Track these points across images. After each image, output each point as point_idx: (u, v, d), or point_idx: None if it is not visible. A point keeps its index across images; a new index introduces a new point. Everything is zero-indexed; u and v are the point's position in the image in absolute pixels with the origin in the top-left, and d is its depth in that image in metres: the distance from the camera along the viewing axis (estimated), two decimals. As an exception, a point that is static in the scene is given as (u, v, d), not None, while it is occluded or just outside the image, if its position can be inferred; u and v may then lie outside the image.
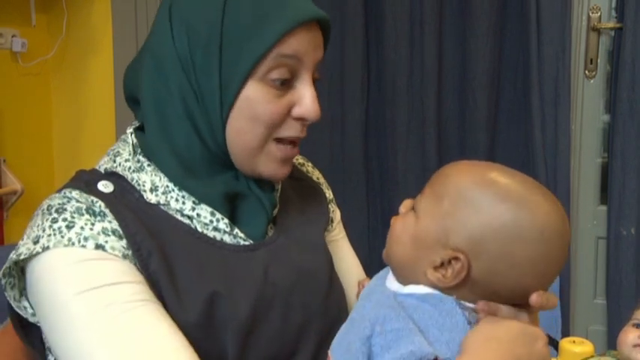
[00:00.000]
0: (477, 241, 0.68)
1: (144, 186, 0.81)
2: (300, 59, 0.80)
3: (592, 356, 1.27)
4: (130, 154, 0.83)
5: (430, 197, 0.73)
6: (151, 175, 0.82)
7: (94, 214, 0.76)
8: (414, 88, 2.05)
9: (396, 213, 0.78)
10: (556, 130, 1.96)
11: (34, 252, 0.74)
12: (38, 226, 0.76)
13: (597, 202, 2.08)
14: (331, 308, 0.87)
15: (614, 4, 1.99)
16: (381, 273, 0.80)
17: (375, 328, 0.68)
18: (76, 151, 2.22)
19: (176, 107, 0.80)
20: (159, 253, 0.76)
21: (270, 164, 0.83)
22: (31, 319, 0.80)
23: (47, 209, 0.77)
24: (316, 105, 0.82)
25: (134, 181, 0.82)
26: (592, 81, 2.03)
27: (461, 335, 0.67)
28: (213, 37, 0.78)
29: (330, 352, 0.75)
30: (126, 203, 0.79)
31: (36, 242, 0.75)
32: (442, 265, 0.70)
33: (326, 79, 2.02)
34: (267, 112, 0.79)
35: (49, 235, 0.74)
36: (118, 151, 0.85)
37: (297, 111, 0.81)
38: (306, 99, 0.81)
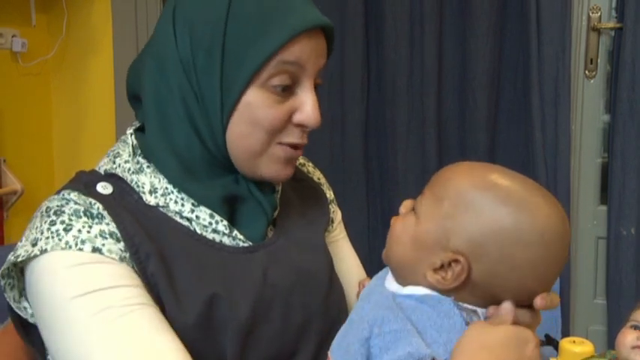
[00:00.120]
0: (478, 243, 0.68)
1: (143, 188, 0.81)
2: (302, 66, 0.79)
3: (592, 356, 1.27)
4: (129, 156, 0.83)
5: (430, 199, 0.73)
6: (151, 176, 0.82)
7: (91, 216, 0.76)
8: (414, 88, 2.05)
9: (396, 213, 0.78)
10: (556, 130, 1.96)
11: (32, 254, 0.74)
12: (37, 228, 0.76)
13: (597, 202, 2.08)
14: (331, 309, 0.87)
15: (614, 4, 1.99)
16: (381, 273, 0.80)
17: (373, 330, 0.68)
18: (76, 151, 2.22)
19: (177, 108, 0.80)
20: (157, 256, 0.76)
21: (272, 166, 0.83)
22: (31, 320, 0.80)
23: (46, 211, 0.77)
24: (317, 112, 0.81)
25: (133, 182, 0.82)
26: (592, 81, 2.03)
27: (459, 336, 0.67)
28: (215, 40, 0.77)
29: (329, 353, 0.75)
30: (125, 205, 0.79)
31: (34, 245, 0.75)
32: (442, 267, 0.70)
33: (326, 79, 2.01)
34: (268, 117, 0.79)
35: (47, 238, 0.74)
36: (118, 152, 0.85)
37: (297, 117, 0.81)
38: (306, 106, 0.81)
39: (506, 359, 0.66)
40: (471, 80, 2.01)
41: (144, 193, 0.81)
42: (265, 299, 0.81)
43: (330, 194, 1.03)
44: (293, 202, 0.93)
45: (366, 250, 2.03)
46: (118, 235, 0.76)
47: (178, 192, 0.82)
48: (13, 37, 2.02)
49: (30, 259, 0.75)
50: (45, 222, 0.76)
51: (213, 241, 0.82)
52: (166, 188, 0.82)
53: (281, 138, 0.82)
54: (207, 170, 0.82)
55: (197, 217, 0.81)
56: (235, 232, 0.83)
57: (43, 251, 0.74)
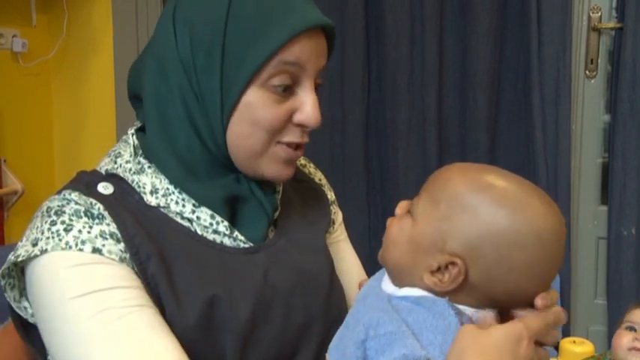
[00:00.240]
0: (474, 246, 0.68)
1: (144, 188, 0.81)
2: (302, 66, 0.79)
3: (592, 356, 1.27)
4: (130, 156, 0.83)
5: (427, 200, 0.73)
6: (152, 177, 0.82)
7: (92, 216, 0.76)
8: (415, 86, 2.05)
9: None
10: (557, 130, 1.96)
11: (32, 254, 0.74)
12: (37, 228, 0.76)
13: (598, 203, 2.08)
14: (332, 310, 0.87)
15: (614, 4, 1.99)
16: (377, 274, 0.79)
17: (368, 332, 0.68)
18: (76, 151, 2.22)
19: (177, 108, 0.80)
20: (158, 256, 0.76)
21: (273, 165, 0.83)
22: (31, 320, 0.80)
23: (46, 211, 0.78)
24: (317, 112, 0.81)
25: (134, 183, 0.82)
26: (592, 81, 2.03)
27: (454, 337, 0.67)
28: (215, 40, 0.77)
29: (327, 355, 0.75)
30: (125, 205, 0.79)
31: (34, 245, 0.75)
32: (439, 269, 0.69)
33: (326, 79, 2.01)
34: (268, 117, 0.79)
35: (48, 238, 0.74)
36: (119, 152, 0.85)
37: (297, 117, 0.81)
38: (307, 106, 0.81)
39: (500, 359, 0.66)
40: (472, 79, 2.01)
41: (145, 193, 0.81)
42: (266, 300, 0.81)
43: (331, 195, 1.03)
44: (294, 203, 0.93)
45: (367, 250, 2.03)
46: (119, 235, 0.76)
47: (179, 192, 0.81)
48: (13, 37, 2.02)
49: (30, 259, 0.75)
50: (45, 222, 0.76)
51: (213, 242, 0.82)
52: (167, 189, 0.81)
53: (281, 137, 0.82)
54: (208, 170, 0.82)
55: (198, 217, 0.81)
56: (236, 233, 0.83)
57: (44, 251, 0.74)
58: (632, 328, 1.23)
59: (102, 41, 2.19)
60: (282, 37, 0.77)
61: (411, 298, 0.70)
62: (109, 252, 0.75)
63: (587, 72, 2.02)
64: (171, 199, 0.81)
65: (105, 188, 0.80)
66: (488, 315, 0.71)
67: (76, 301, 0.71)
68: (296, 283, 0.84)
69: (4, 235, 2.02)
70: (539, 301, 0.69)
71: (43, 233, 0.75)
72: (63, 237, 0.74)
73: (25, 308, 0.79)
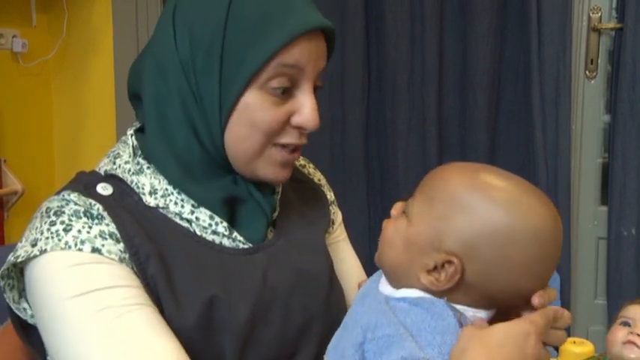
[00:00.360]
0: (471, 244, 0.68)
1: (143, 189, 0.81)
2: (301, 69, 0.79)
3: (592, 357, 1.27)
4: (129, 156, 0.83)
5: (422, 200, 0.72)
6: (151, 177, 0.82)
7: (91, 217, 0.76)
8: (415, 86, 2.05)
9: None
10: (557, 131, 1.96)
11: (32, 255, 0.74)
12: (37, 228, 0.76)
13: (598, 203, 2.08)
14: (332, 310, 0.87)
15: (614, 5, 1.99)
16: (375, 276, 0.79)
17: (366, 335, 0.68)
18: (76, 151, 2.22)
19: (176, 109, 0.80)
20: (157, 257, 0.76)
21: (269, 168, 0.83)
22: (31, 321, 0.80)
23: (46, 212, 0.78)
24: (315, 114, 0.81)
25: (133, 183, 0.82)
26: (592, 81, 2.03)
27: (453, 337, 0.66)
28: (215, 42, 0.77)
29: (325, 357, 0.75)
30: (124, 206, 0.79)
31: (34, 245, 0.75)
32: (435, 268, 0.69)
33: (326, 80, 2.02)
34: (266, 119, 0.79)
35: (47, 238, 0.74)
36: (118, 153, 0.85)
37: (296, 120, 0.81)
38: (305, 108, 0.81)
39: (506, 356, 0.66)
40: (472, 79, 2.01)
41: (144, 194, 0.81)
42: (265, 301, 0.81)
43: (330, 195, 1.03)
44: (293, 204, 0.93)
45: (367, 250, 2.01)
46: (118, 235, 0.76)
47: (178, 193, 0.81)
48: (13, 37, 2.02)
49: (30, 259, 0.75)
50: (45, 222, 0.76)
51: (212, 242, 0.82)
52: (166, 189, 0.81)
53: (279, 139, 0.81)
54: (206, 172, 0.82)
55: (197, 218, 0.81)
56: (235, 234, 0.83)
57: (43, 251, 0.74)
58: (626, 324, 1.23)
59: (102, 41, 2.19)
60: (282, 39, 0.76)
61: (408, 299, 0.70)
62: (109, 252, 0.75)
63: (587, 72, 2.02)
64: (170, 200, 0.81)
65: (104, 189, 0.80)
66: (488, 316, 0.71)
67: (75, 301, 0.71)
68: (295, 284, 0.84)
69: (4, 236, 2.02)
70: (536, 300, 0.69)
71: (42, 234, 0.75)
72: (62, 237, 0.74)
73: (25, 309, 0.79)
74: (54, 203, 0.78)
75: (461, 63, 2.04)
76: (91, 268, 0.73)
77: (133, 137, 0.85)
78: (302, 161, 1.04)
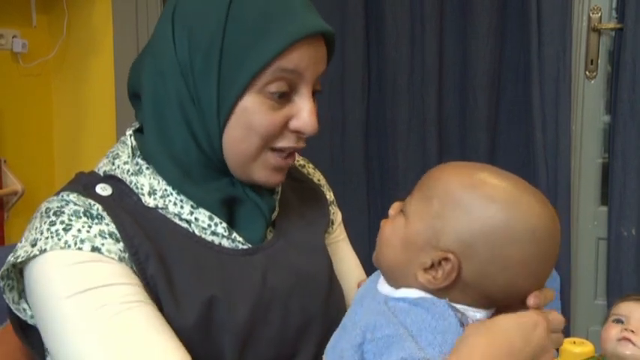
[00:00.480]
0: (468, 242, 0.68)
1: (142, 189, 0.81)
2: (300, 73, 0.79)
3: (592, 357, 1.27)
4: (128, 157, 0.83)
5: (420, 199, 0.73)
6: (150, 178, 0.82)
7: (91, 216, 0.76)
8: (415, 86, 2.05)
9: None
10: (557, 131, 1.96)
11: (32, 255, 0.74)
12: (36, 228, 0.76)
13: (598, 203, 2.08)
14: (331, 310, 0.87)
15: (614, 5, 1.99)
16: (374, 275, 0.79)
17: (366, 336, 0.68)
18: (76, 151, 2.22)
19: (174, 111, 0.80)
20: (156, 257, 0.76)
21: (263, 171, 0.83)
22: (30, 322, 0.80)
23: (45, 212, 0.78)
24: (314, 119, 0.81)
25: (132, 184, 0.82)
26: (592, 81, 2.03)
27: (454, 337, 0.67)
28: (214, 44, 0.77)
29: (324, 357, 0.75)
30: (124, 206, 0.79)
31: (34, 245, 0.75)
32: (432, 266, 0.69)
33: (326, 80, 2.02)
34: (264, 123, 0.79)
35: (47, 238, 0.74)
36: (117, 154, 0.85)
37: (294, 124, 0.81)
38: (303, 112, 0.80)
39: (512, 344, 0.65)
40: (472, 79, 2.01)
41: (143, 194, 0.81)
42: (264, 302, 0.81)
43: (330, 195, 1.03)
44: (292, 204, 0.93)
45: (367, 250, 2.01)
46: (118, 235, 0.76)
47: (177, 194, 0.81)
48: (13, 37, 2.02)
49: (29, 259, 0.75)
50: (44, 222, 0.76)
51: (212, 243, 0.82)
52: (165, 190, 0.81)
53: (276, 143, 0.81)
54: (204, 173, 0.82)
55: (196, 219, 0.81)
56: (234, 235, 0.83)
57: (43, 251, 0.74)
58: (619, 321, 1.23)
59: (102, 41, 2.19)
60: (281, 44, 0.76)
61: (408, 300, 0.70)
62: (108, 251, 0.75)
63: (587, 72, 2.02)
64: (170, 201, 0.81)
65: (103, 189, 0.80)
66: (487, 316, 0.71)
67: (74, 299, 0.71)
68: (294, 284, 0.84)
69: (4, 236, 2.02)
70: (531, 300, 0.69)
71: (42, 233, 0.75)
72: (62, 236, 0.74)
73: (24, 310, 0.79)
74: (53, 204, 0.78)
75: (461, 63, 2.04)
76: (91, 266, 0.73)
77: (132, 138, 0.85)
78: (301, 161, 1.04)
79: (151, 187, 0.81)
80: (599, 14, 1.99)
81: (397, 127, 2.06)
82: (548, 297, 0.71)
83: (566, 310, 2.01)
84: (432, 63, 2.02)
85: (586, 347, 1.28)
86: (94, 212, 0.77)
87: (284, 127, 0.81)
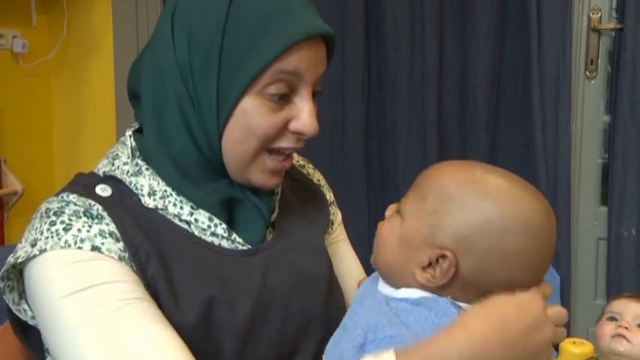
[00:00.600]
0: (464, 237, 0.69)
1: (142, 190, 0.81)
2: (300, 75, 0.79)
3: (592, 357, 1.27)
4: (128, 158, 0.83)
5: (414, 198, 0.73)
6: (149, 179, 0.82)
7: (91, 216, 0.76)
8: (415, 86, 2.05)
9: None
10: (557, 131, 1.96)
11: (32, 255, 0.74)
12: (36, 229, 0.76)
13: (598, 203, 2.08)
14: (331, 310, 0.87)
15: (614, 5, 1.99)
16: (374, 275, 0.80)
17: (367, 336, 0.68)
18: (76, 151, 2.22)
19: (173, 112, 0.80)
20: (157, 257, 0.76)
21: (260, 174, 0.83)
22: (31, 322, 0.80)
23: (45, 212, 0.78)
24: (314, 120, 0.81)
25: (132, 185, 0.82)
26: (592, 81, 2.03)
27: None
28: (213, 46, 0.77)
29: (324, 357, 0.75)
30: (124, 207, 0.79)
31: (33, 245, 0.75)
32: (430, 264, 0.70)
33: (326, 80, 2.01)
34: (263, 125, 0.79)
35: (47, 238, 0.74)
36: (117, 154, 0.84)
37: (293, 125, 0.81)
38: (303, 114, 0.80)
39: (504, 318, 0.64)
40: (472, 79, 2.01)
41: (142, 195, 0.81)
42: (264, 302, 0.81)
43: (330, 196, 1.03)
44: (292, 205, 0.93)
45: (367, 250, 2.00)
46: (118, 235, 0.76)
47: (177, 195, 0.81)
48: (13, 37, 2.02)
49: (29, 259, 0.75)
50: (45, 222, 0.76)
51: (212, 243, 0.82)
52: (165, 191, 0.81)
53: (276, 144, 0.81)
54: (203, 175, 0.82)
55: (196, 220, 0.81)
56: (234, 236, 0.83)
57: (43, 251, 0.74)
58: (612, 318, 1.23)
59: (102, 41, 2.19)
60: (281, 45, 0.76)
61: (410, 300, 0.70)
62: (108, 250, 0.75)
63: (587, 72, 2.02)
64: (169, 202, 0.81)
65: (103, 190, 0.80)
66: None
67: (73, 297, 0.71)
68: (295, 285, 0.84)
69: (4, 236, 2.02)
70: None
71: (42, 234, 0.75)
72: (62, 236, 0.74)
73: (25, 311, 0.79)
74: (53, 204, 0.78)
75: (461, 63, 2.04)
76: (90, 264, 0.73)
77: (132, 138, 0.85)
78: (301, 161, 1.04)
79: (151, 188, 0.81)
80: (599, 14, 1.99)
81: (397, 127, 2.06)
82: (546, 292, 0.71)
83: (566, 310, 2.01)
84: (432, 63, 2.02)
85: (586, 347, 1.28)
86: (94, 212, 0.77)
87: (284, 129, 0.81)
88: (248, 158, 0.81)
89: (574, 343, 1.28)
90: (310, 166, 1.05)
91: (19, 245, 0.77)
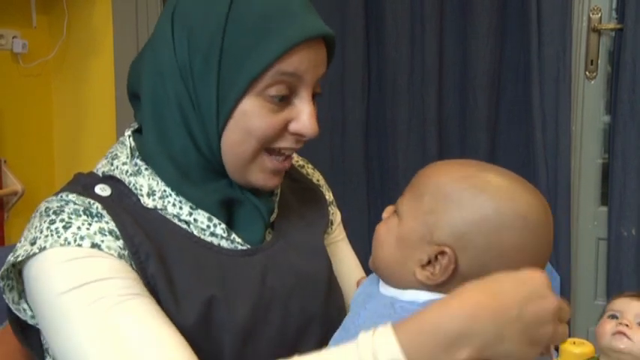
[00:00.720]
0: (462, 233, 0.69)
1: (141, 190, 0.81)
2: (300, 77, 0.78)
3: (592, 357, 1.27)
4: (127, 157, 0.83)
5: (411, 198, 0.73)
6: (149, 179, 0.82)
7: (91, 215, 0.76)
8: (415, 86, 2.05)
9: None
10: (557, 131, 1.96)
11: (31, 253, 0.74)
12: (35, 227, 0.76)
13: (598, 203, 2.08)
14: (330, 311, 0.87)
15: (614, 5, 1.99)
16: (373, 276, 0.80)
17: None
18: (76, 151, 2.22)
19: (173, 112, 0.80)
20: (157, 256, 0.76)
21: (259, 174, 0.83)
22: (30, 322, 0.80)
23: (45, 211, 0.78)
24: (314, 121, 0.81)
25: (131, 184, 0.82)
26: (592, 82, 2.03)
27: None
28: (213, 47, 0.77)
29: None
30: (123, 207, 0.79)
31: (33, 243, 0.75)
32: (429, 262, 0.70)
33: (326, 80, 2.00)
34: (262, 126, 0.79)
35: (46, 236, 0.74)
36: (116, 154, 0.85)
37: (293, 127, 0.81)
38: (303, 115, 0.80)
39: (500, 287, 0.62)
40: (472, 79, 2.01)
41: (142, 195, 0.81)
42: (264, 302, 0.81)
43: (329, 196, 1.03)
44: (292, 205, 0.93)
45: (367, 250, 1.99)
46: (118, 233, 0.76)
47: (176, 195, 0.81)
48: (13, 38, 2.02)
49: (29, 257, 0.75)
50: (44, 221, 0.76)
51: (211, 243, 0.82)
52: (164, 191, 0.81)
53: (275, 144, 0.81)
54: (203, 175, 0.82)
55: (195, 219, 0.81)
56: (233, 236, 0.83)
57: (42, 249, 0.74)
58: (614, 316, 1.23)
59: (102, 42, 2.19)
60: (281, 47, 0.76)
61: (417, 303, 0.70)
62: (108, 247, 0.75)
63: (587, 73, 2.02)
64: (169, 202, 0.81)
65: (102, 190, 0.80)
66: None
67: (71, 293, 0.71)
68: (294, 285, 0.84)
69: (4, 236, 2.02)
70: None
71: (42, 232, 0.75)
72: (62, 234, 0.74)
73: (24, 310, 0.79)
74: (53, 203, 0.78)
75: (461, 63, 2.04)
76: (89, 261, 0.73)
77: (131, 138, 0.85)
78: (300, 161, 1.04)
79: (150, 188, 0.81)
80: (599, 14, 1.99)
81: (397, 127, 2.06)
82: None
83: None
84: (432, 63, 2.02)
85: (586, 347, 1.28)
86: (94, 211, 0.77)
87: (283, 130, 0.81)
88: (247, 159, 0.81)
89: (574, 343, 1.28)
90: (309, 166, 1.05)
91: (19, 244, 0.77)
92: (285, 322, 0.82)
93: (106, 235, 0.75)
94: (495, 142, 2.06)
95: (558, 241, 1.96)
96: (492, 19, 1.98)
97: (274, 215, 0.88)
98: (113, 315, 0.70)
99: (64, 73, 2.22)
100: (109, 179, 0.82)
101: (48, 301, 0.73)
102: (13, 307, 0.79)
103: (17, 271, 0.78)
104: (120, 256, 0.75)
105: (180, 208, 0.81)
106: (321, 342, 0.82)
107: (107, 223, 0.76)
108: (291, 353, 0.82)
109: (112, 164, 0.84)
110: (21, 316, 0.80)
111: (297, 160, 1.03)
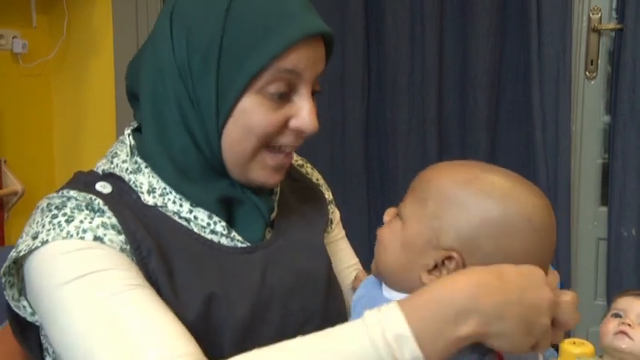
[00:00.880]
0: (468, 238, 0.69)
1: (141, 187, 0.81)
2: (299, 74, 0.79)
3: (592, 357, 1.27)
4: (127, 156, 0.83)
5: (414, 202, 0.73)
6: (148, 177, 0.82)
7: (93, 210, 0.77)
8: (415, 86, 2.05)
9: None
10: (557, 131, 1.97)
11: (34, 247, 0.74)
12: (37, 222, 0.76)
13: (598, 203, 2.08)
14: (330, 310, 0.87)
15: (614, 5, 1.99)
16: (371, 279, 0.79)
17: None
18: (76, 151, 2.22)
19: (172, 112, 0.80)
20: (158, 252, 0.76)
21: (261, 172, 0.83)
22: (30, 319, 0.79)
23: (47, 207, 0.78)
24: (314, 118, 0.81)
25: (132, 182, 0.82)
26: (592, 82, 2.03)
27: None
28: (212, 46, 0.77)
29: None
30: (124, 204, 0.79)
31: (35, 238, 0.75)
32: (436, 267, 0.70)
33: (326, 80, 2.01)
34: (262, 124, 0.79)
35: (49, 230, 0.74)
36: (116, 153, 0.85)
37: (294, 123, 0.81)
38: (303, 111, 0.80)
39: (499, 273, 0.64)
40: (472, 79, 2.01)
41: (142, 193, 0.81)
42: (263, 300, 0.81)
43: (328, 195, 1.03)
44: (291, 204, 0.93)
45: (367, 250, 2.00)
46: (120, 228, 0.76)
47: (176, 192, 0.81)
48: (13, 38, 2.02)
49: (31, 251, 0.75)
50: (46, 216, 0.76)
51: (211, 241, 0.82)
52: (164, 188, 0.81)
53: (275, 142, 0.81)
54: (202, 174, 0.82)
55: (195, 217, 0.81)
56: (233, 233, 0.83)
57: (44, 242, 0.74)
58: (617, 315, 1.23)
59: (102, 42, 2.19)
60: (280, 45, 0.76)
61: None
62: (110, 241, 0.75)
63: (587, 73, 2.02)
64: (169, 199, 0.81)
65: (103, 187, 0.80)
66: None
67: (73, 284, 0.71)
68: (294, 284, 0.84)
69: (4, 236, 2.02)
70: None
71: (44, 226, 0.75)
72: (64, 227, 0.74)
73: (24, 307, 0.79)
74: (55, 200, 0.78)
75: (461, 63, 2.05)
76: (91, 252, 0.73)
77: (131, 137, 0.85)
78: (300, 161, 1.04)
79: (150, 186, 0.81)
80: (599, 15, 1.99)
81: (397, 127, 2.06)
82: (553, 282, 0.71)
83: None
84: (432, 63, 2.02)
85: (586, 348, 1.28)
86: (96, 206, 0.77)
87: (283, 127, 0.81)
88: (247, 157, 0.81)
89: (574, 343, 1.28)
90: (309, 165, 1.05)
91: (20, 240, 0.77)
92: (284, 320, 0.82)
93: (108, 229, 0.75)
94: (495, 142, 2.07)
95: (558, 241, 1.94)
96: (492, 19, 1.98)
97: (274, 214, 0.88)
98: (114, 304, 0.70)
99: (64, 73, 2.22)
100: (109, 177, 0.83)
101: (48, 292, 0.73)
102: (12, 304, 0.79)
103: (18, 267, 0.78)
104: (122, 250, 0.75)
105: (181, 205, 0.81)
106: (321, 341, 0.82)
107: (109, 218, 0.76)
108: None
109: (112, 162, 0.84)
110: (21, 313, 0.79)
111: (296, 159, 1.03)
